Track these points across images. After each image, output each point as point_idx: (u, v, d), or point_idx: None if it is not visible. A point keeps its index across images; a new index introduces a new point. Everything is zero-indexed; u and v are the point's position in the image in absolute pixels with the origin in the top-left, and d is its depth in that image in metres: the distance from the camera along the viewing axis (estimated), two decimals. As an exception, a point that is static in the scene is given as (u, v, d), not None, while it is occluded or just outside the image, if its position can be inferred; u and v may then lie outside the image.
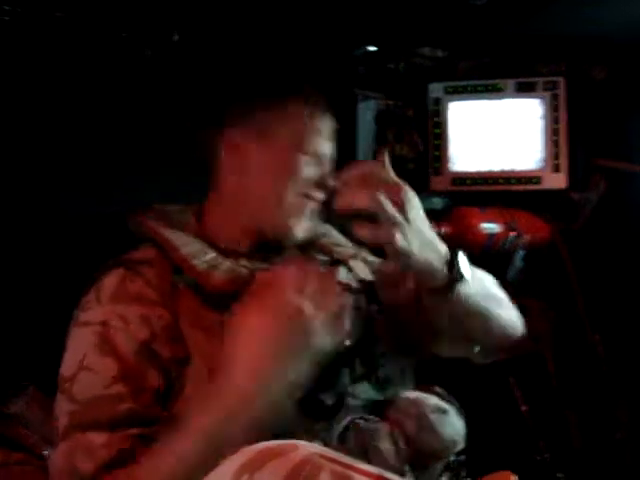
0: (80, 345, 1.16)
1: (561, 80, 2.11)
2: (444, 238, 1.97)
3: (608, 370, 2.16)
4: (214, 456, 0.93)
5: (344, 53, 2.04)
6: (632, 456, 2.11)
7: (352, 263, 1.35)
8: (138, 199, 1.62)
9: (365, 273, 1.33)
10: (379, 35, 2.00)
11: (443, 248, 1.18)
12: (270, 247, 1.29)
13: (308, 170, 1.25)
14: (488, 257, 2.10)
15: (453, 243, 2.00)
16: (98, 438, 1.06)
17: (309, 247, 1.35)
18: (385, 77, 2.11)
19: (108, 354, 1.12)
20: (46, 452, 1.32)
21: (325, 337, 1.05)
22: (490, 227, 2.08)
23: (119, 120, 1.69)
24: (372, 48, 2.03)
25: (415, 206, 1.12)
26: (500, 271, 2.11)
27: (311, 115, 1.27)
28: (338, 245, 1.38)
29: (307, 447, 0.90)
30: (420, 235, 1.12)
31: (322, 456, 0.88)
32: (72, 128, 1.63)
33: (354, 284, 1.28)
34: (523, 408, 2.10)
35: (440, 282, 1.17)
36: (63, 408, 1.11)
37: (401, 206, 1.09)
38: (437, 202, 2.14)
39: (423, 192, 2.09)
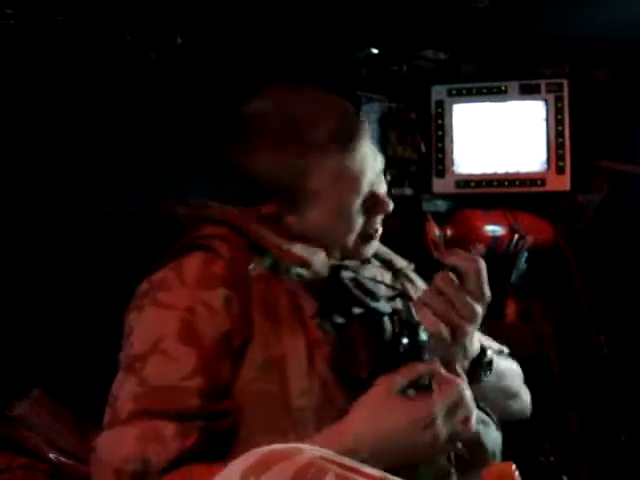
0: (159, 326, 1.11)
1: (564, 82, 2.11)
2: (448, 241, 2.02)
3: (612, 371, 2.16)
4: None
5: (347, 55, 2.04)
6: (636, 457, 2.11)
7: (408, 273, 1.38)
8: (144, 199, 1.63)
9: (421, 282, 1.37)
10: (382, 38, 2.00)
11: (475, 350, 1.22)
12: None
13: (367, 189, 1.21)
14: (492, 259, 2.09)
15: (457, 245, 2.03)
16: (168, 428, 1.03)
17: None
18: (388, 79, 2.11)
19: (190, 343, 1.09)
20: (52, 455, 1.32)
21: (444, 452, 1.07)
22: (494, 229, 2.08)
23: (123, 122, 1.69)
24: (375, 51, 2.03)
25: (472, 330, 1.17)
26: (504, 273, 2.12)
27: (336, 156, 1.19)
28: (389, 254, 1.38)
29: (312, 450, 0.89)
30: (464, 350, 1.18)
31: (327, 459, 0.88)
32: (76, 130, 1.63)
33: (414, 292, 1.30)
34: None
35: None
36: (129, 388, 1.07)
37: (459, 339, 1.15)
38: (441, 205, 2.13)
39: (426, 194, 2.11)
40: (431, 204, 2.11)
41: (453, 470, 1.11)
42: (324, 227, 1.20)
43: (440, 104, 2.13)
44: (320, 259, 1.19)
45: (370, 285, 1.23)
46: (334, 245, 1.22)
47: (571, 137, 2.10)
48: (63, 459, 1.33)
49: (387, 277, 1.33)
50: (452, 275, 1.15)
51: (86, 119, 1.65)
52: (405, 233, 2.02)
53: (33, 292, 1.53)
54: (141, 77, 1.72)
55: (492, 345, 1.35)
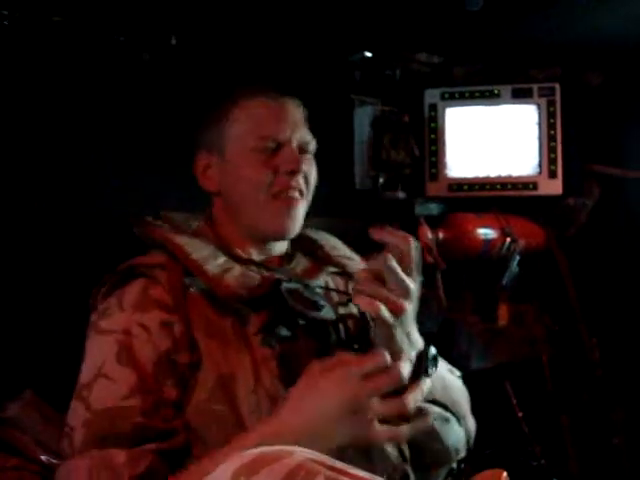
0: (100, 352, 1.15)
1: (556, 86, 2.11)
2: (441, 244, 2.02)
3: (604, 375, 2.16)
4: None
5: (340, 59, 2.04)
6: (628, 461, 2.11)
7: None
8: (132, 202, 1.63)
9: None
10: (375, 41, 2.01)
11: (419, 342, 1.19)
12: (283, 256, 1.33)
13: (267, 164, 1.27)
14: (484, 262, 2.10)
15: (450, 249, 2.04)
16: (119, 456, 1.06)
17: (321, 259, 1.38)
18: (381, 83, 2.11)
19: (128, 364, 1.12)
20: (43, 457, 1.32)
21: (378, 437, 1.05)
22: (486, 233, 2.08)
23: (117, 123, 1.69)
24: (369, 54, 2.03)
25: (410, 314, 1.14)
26: (496, 276, 2.12)
27: (253, 109, 1.29)
28: (349, 259, 1.41)
29: (302, 453, 0.90)
30: (408, 337, 1.15)
31: (317, 462, 0.88)
32: (70, 132, 1.63)
33: None
34: (519, 414, 2.10)
35: None
36: (79, 416, 1.11)
37: (398, 313, 1.10)
38: (433, 208, 2.14)
39: (419, 198, 2.11)
40: (424, 207, 2.11)
41: (409, 469, 1.10)
42: (236, 183, 1.27)
43: (433, 107, 2.14)
44: (255, 282, 1.21)
45: (310, 294, 1.24)
46: (252, 212, 1.26)
47: (563, 141, 2.10)
48: (54, 460, 1.33)
49: (341, 282, 1.36)
50: (383, 255, 1.11)
51: (80, 120, 1.64)
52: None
53: (24, 294, 1.52)
54: (135, 78, 1.72)
55: (443, 365, 1.34)
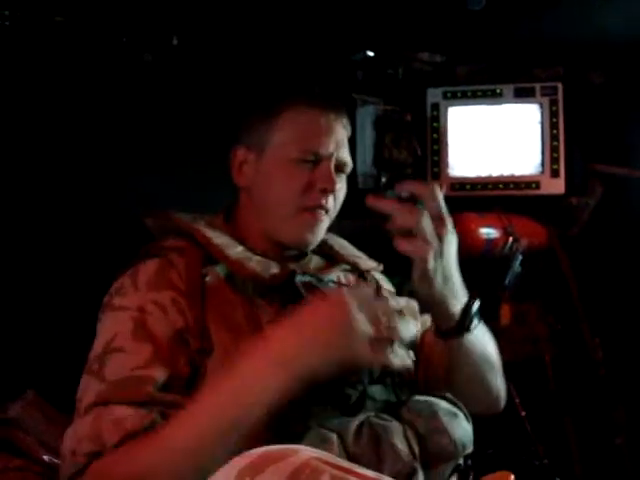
0: (113, 328, 1.16)
1: (559, 85, 2.11)
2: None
3: (606, 374, 2.16)
4: (226, 428, 1.00)
5: (343, 58, 2.04)
6: (631, 461, 2.11)
7: (375, 274, 1.43)
8: (134, 203, 1.63)
9: (388, 285, 1.43)
10: (378, 40, 2.01)
11: (463, 296, 1.25)
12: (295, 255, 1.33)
13: (303, 176, 1.27)
14: (486, 262, 2.10)
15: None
16: (123, 411, 1.06)
17: (333, 258, 1.39)
18: (384, 82, 2.11)
19: (143, 339, 1.13)
20: (46, 457, 1.32)
21: (366, 357, 1.07)
22: (488, 232, 2.08)
23: (119, 123, 1.69)
24: (371, 53, 2.03)
25: (451, 244, 1.20)
26: (498, 276, 2.12)
27: (301, 120, 1.29)
28: (359, 257, 1.43)
29: (307, 451, 0.90)
30: (446, 271, 1.20)
31: (322, 460, 0.88)
32: (71, 131, 1.63)
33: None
34: (522, 413, 2.10)
35: (450, 326, 1.24)
36: (90, 387, 1.11)
37: (441, 238, 1.16)
38: (435, 207, 2.13)
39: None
40: (426, 207, 2.11)
41: (417, 465, 1.10)
42: (268, 186, 1.28)
43: (435, 107, 2.14)
44: (274, 271, 1.23)
45: (324, 288, 1.26)
46: (278, 218, 1.27)
47: (566, 140, 2.10)
48: (57, 460, 1.33)
49: (353, 279, 1.38)
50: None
51: (82, 120, 1.64)
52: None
53: (26, 294, 1.52)
54: (137, 78, 1.72)
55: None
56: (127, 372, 1.10)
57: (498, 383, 1.38)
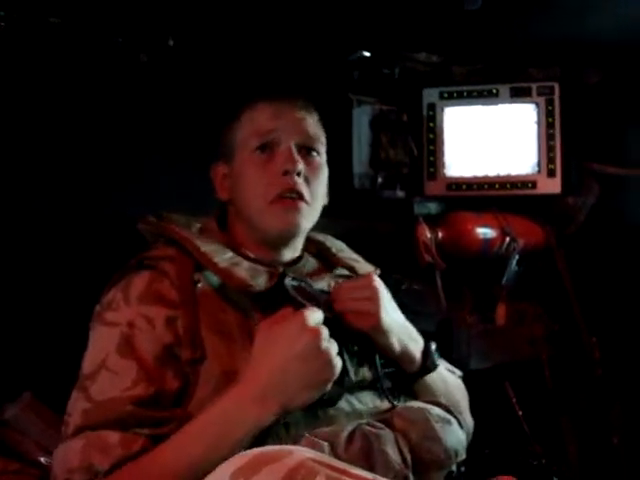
0: (103, 344, 1.16)
1: (555, 85, 2.11)
2: (440, 243, 2.02)
3: (604, 374, 2.16)
4: (211, 453, 1.02)
5: (339, 58, 2.04)
6: (627, 460, 2.11)
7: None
8: (130, 203, 1.63)
9: (384, 289, 1.41)
10: (374, 40, 2.00)
11: (420, 339, 1.33)
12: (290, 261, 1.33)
13: (266, 164, 1.27)
14: (483, 262, 2.10)
15: (448, 248, 2.03)
16: (112, 437, 1.07)
17: (329, 262, 1.39)
18: (380, 82, 2.11)
19: (129, 356, 1.14)
20: (43, 459, 1.32)
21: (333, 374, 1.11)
22: (485, 232, 2.08)
23: (115, 124, 1.69)
24: (367, 53, 2.03)
25: (386, 299, 1.27)
26: (495, 276, 2.12)
27: (256, 115, 1.30)
28: (356, 261, 1.42)
29: (302, 452, 0.90)
30: (395, 318, 1.28)
31: (316, 461, 0.88)
32: (67, 133, 1.62)
33: None
34: (519, 413, 2.10)
35: (414, 369, 1.31)
36: (78, 405, 1.12)
37: (372, 297, 1.24)
38: (432, 207, 2.13)
39: (418, 197, 2.11)
40: (423, 206, 2.11)
41: (409, 473, 1.10)
42: (241, 185, 1.29)
43: (432, 107, 2.13)
44: (263, 277, 1.23)
45: (313, 292, 1.26)
46: (256, 214, 1.28)
47: (562, 140, 2.10)
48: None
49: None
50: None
51: (78, 121, 1.64)
52: (396, 235, 2.02)
53: (24, 295, 1.52)
54: (133, 79, 1.72)
55: (443, 364, 1.43)
56: (114, 393, 1.11)
57: (466, 418, 1.39)
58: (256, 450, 0.90)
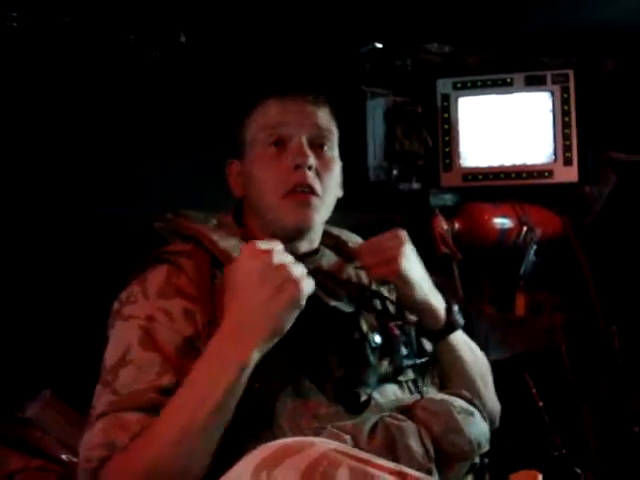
0: (124, 338, 1.16)
1: (570, 73, 2.10)
2: (456, 235, 2.01)
3: (623, 363, 2.15)
4: (207, 403, 1.02)
5: (351, 51, 2.04)
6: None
7: None
8: (148, 199, 1.63)
9: None
10: (386, 32, 2.00)
11: (441, 298, 1.33)
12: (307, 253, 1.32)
13: (277, 159, 1.26)
14: (501, 252, 2.09)
15: (465, 239, 2.03)
16: (132, 416, 1.08)
17: (346, 255, 1.37)
18: (393, 74, 2.10)
19: (151, 348, 1.13)
20: (64, 456, 1.32)
21: (295, 294, 1.08)
22: (502, 222, 2.07)
23: (128, 121, 1.69)
24: (379, 45, 2.03)
25: (411, 252, 1.29)
26: (513, 266, 2.11)
27: (266, 111, 1.29)
28: None
29: (324, 443, 0.90)
30: (418, 271, 1.29)
31: (339, 452, 0.88)
32: (81, 130, 1.63)
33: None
34: (539, 404, 2.09)
35: (439, 326, 1.31)
36: (104, 399, 1.12)
37: (393, 247, 1.26)
38: (448, 198, 2.13)
39: (434, 188, 2.10)
40: (439, 198, 2.10)
41: (432, 466, 1.10)
42: (254, 181, 1.28)
43: (446, 97, 2.13)
44: None
45: (333, 286, 1.26)
46: (270, 209, 1.27)
47: (578, 128, 2.09)
48: (76, 460, 1.33)
49: (365, 276, 1.36)
50: None
51: (91, 119, 1.65)
52: (413, 227, 2.01)
53: (44, 293, 1.53)
54: (145, 76, 1.72)
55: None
56: (138, 386, 1.11)
57: (491, 395, 1.39)
58: (279, 442, 0.89)
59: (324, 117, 1.30)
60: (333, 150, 1.32)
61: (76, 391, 1.37)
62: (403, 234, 1.28)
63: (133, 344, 1.14)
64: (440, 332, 1.31)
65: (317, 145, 1.28)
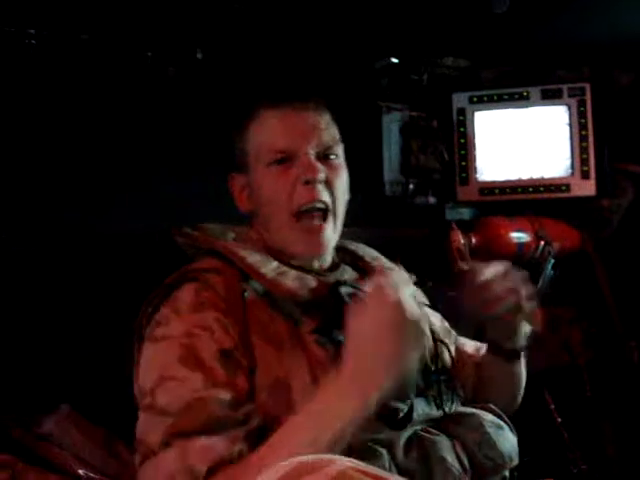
0: (160, 359, 1.12)
1: (586, 86, 2.09)
2: (473, 249, 2.00)
3: (643, 378, 2.13)
4: (313, 445, 0.98)
5: (367, 66, 2.04)
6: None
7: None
8: (160, 216, 1.63)
9: (421, 296, 1.42)
10: (401, 47, 2.00)
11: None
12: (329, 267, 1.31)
13: (285, 176, 1.23)
14: (518, 266, 2.08)
15: (482, 253, 2.02)
16: (207, 440, 1.03)
17: (364, 270, 1.35)
18: (409, 88, 2.11)
19: (194, 366, 1.09)
20: (81, 472, 1.32)
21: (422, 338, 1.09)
22: (519, 236, 2.06)
23: (145, 138, 1.70)
24: (395, 60, 2.03)
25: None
26: (531, 280, 2.09)
27: (265, 124, 1.26)
28: (391, 269, 1.39)
29: (343, 461, 0.89)
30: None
31: (357, 470, 0.87)
32: (99, 146, 1.64)
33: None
34: (558, 420, 2.07)
35: (517, 345, 1.32)
36: (154, 424, 1.07)
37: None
38: (465, 212, 2.12)
39: (450, 203, 2.10)
40: (455, 212, 2.10)
41: (468, 479, 1.09)
42: (262, 199, 1.26)
43: (462, 112, 2.13)
44: (312, 285, 1.20)
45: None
46: (279, 230, 1.25)
47: (595, 141, 2.08)
48: (92, 475, 1.33)
49: None
50: None
51: (109, 135, 1.66)
52: (429, 242, 2.01)
53: (60, 308, 1.53)
54: (162, 93, 1.73)
55: None
56: (187, 399, 1.06)
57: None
58: (295, 460, 0.88)
59: (328, 126, 1.27)
60: (339, 157, 1.29)
61: (94, 406, 1.38)
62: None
63: (172, 363, 1.10)
64: (512, 352, 1.33)
65: (324, 156, 1.25)
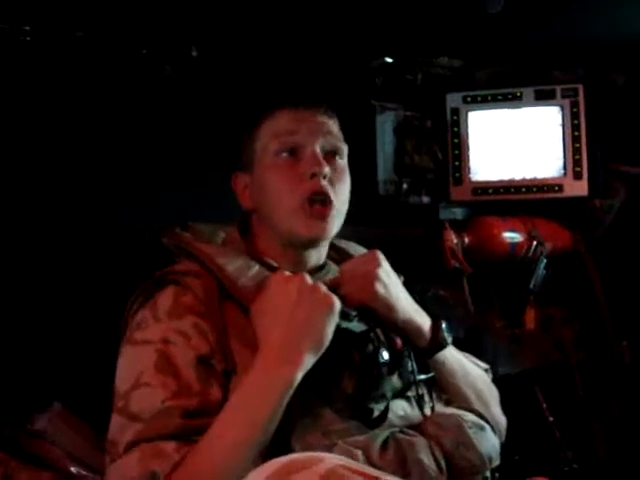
0: (137, 363, 1.15)
1: (580, 87, 2.09)
2: (466, 249, 2.01)
3: (635, 378, 2.13)
4: (254, 426, 1.04)
5: (361, 65, 2.04)
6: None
7: None
8: (155, 216, 1.63)
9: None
10: (396, 46, 2.00)
11: (426, 316, 1.32)
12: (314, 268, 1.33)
13: (291, 167, 1.26)
14: (511, 266, 2.09)
15: (475, 253, 2.02)
16: (167, 446, 1.06)
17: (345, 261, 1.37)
18: (403, 88, 2.11)
19: (168, 372, 1.12)
20: (73, 469, 1.32)
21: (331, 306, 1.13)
22: (512, 236, 2.07)
23: (139, 136, 1.70)
24: (389, 60, 2.03)
25: (387, 273, 1.29)
26: (523, 280, 2.10)
27: (276, 122, 1.29)
28: None
29: (332, 459, 0.89)
30: (393, 292, 1.28)
31: (347, 468, 0.88)
32: (92, 144, 1.64)
33: None
34: (550, 419, 2.08)
35: (425, 343, 1.30)
36: (124, 427, 1.09)
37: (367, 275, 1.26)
38: (458, 212, 2.13)
39: (444, 202, 2.10)
40: (448, 212, 2.10)
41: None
42: (266, 191, 1.29)
43: (455, 112, 2.13)
44: None
45: (345, 308, 1.25)
46: (285, 216, 1.27)
47: (588, 142, 2.08)
48: (84, 472, 1.33)
49: None
50: None
51: (103, 133, 1.65)
52: (422, 241, 2.01)
53: (51, 306, 1.53)
54: (157, 90, 1.73)
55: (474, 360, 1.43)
56: (157, 406, 1.09)
57: (493, 410, 1.37)
58: (286, 457, 0.89)
59: (336, 128, 1.32)
60: (344, 160, 1.32)
61: (86, 404, 1.38)
62: (378, 256, 1.29)
63: (147, 368, 1.13)
64: (428, 351, 1.30)
65: (330, 154, 1.29)
